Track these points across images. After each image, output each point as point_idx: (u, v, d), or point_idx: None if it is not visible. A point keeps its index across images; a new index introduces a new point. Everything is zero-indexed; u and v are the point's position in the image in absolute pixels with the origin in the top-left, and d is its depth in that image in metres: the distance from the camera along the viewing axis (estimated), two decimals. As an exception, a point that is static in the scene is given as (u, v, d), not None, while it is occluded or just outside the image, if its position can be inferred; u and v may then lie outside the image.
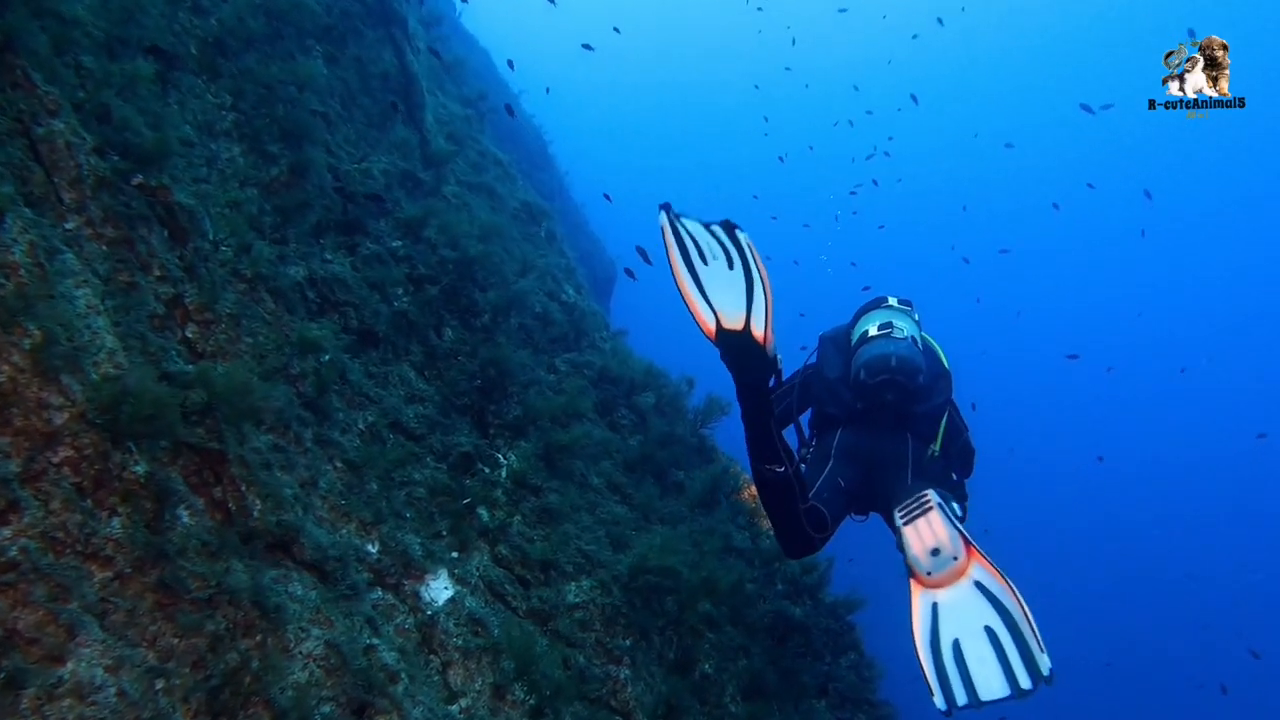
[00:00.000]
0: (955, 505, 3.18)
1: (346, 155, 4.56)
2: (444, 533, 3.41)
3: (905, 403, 3.37)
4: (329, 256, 4.04)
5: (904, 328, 3.52)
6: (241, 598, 2.55)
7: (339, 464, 3.28)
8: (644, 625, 3.50)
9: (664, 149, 49.99)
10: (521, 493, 3.75)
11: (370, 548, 3.19)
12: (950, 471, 3.62)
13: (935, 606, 2.79)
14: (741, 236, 2.65)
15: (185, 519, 2.62)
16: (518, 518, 3.63)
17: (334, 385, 3.42)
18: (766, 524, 4.92)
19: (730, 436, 5.57)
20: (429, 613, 3.16)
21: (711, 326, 2.62)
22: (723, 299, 2.60)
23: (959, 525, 2.97)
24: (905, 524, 2.96)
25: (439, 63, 7.08)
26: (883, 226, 29.04)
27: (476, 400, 4.07)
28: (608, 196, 12.08)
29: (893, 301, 3.81)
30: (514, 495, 3.71)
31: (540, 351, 4.80)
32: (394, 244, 4.33)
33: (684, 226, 2.72)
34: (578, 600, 3.43)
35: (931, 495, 3.02)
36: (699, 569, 3.85)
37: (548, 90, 17.89)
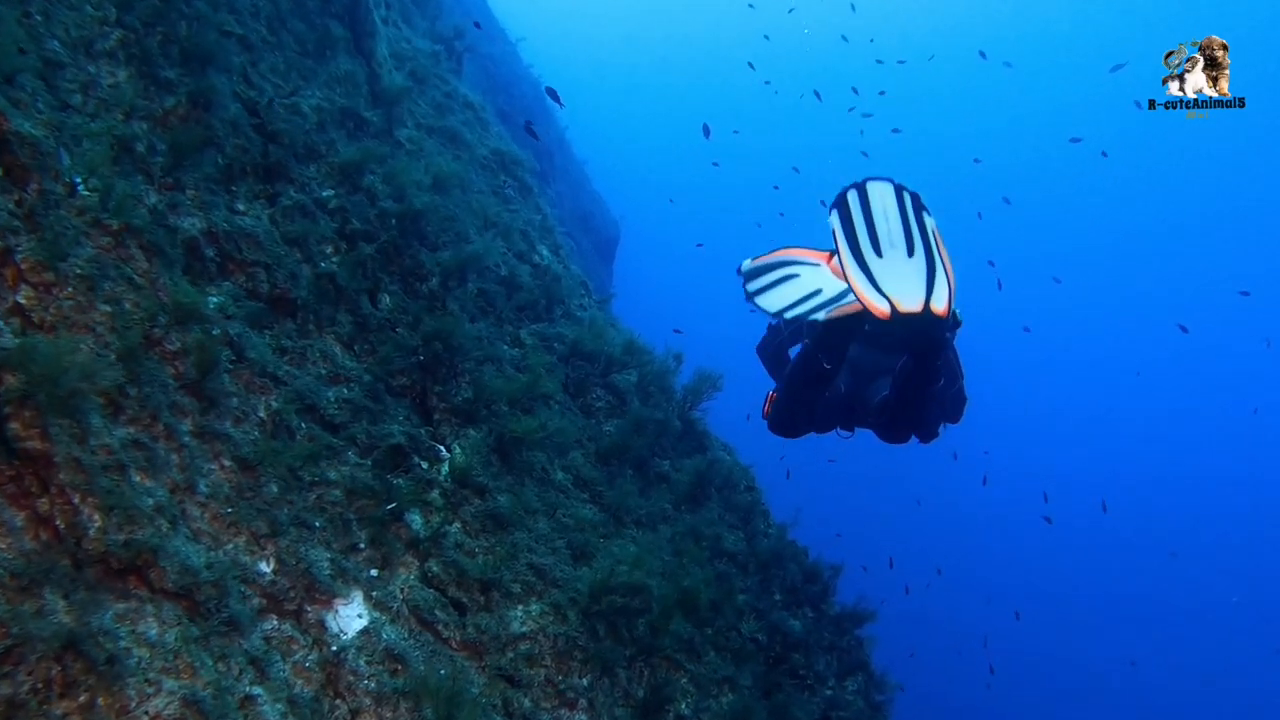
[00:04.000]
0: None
1: (272, 87, 3.85)
2: (362, 545, 2.79)
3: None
4: (240, 207, 3.37)
5: None
6: (53, 646, 1.95)
7: (227, 462, 2.65)
8: (606, 658, 2.89)
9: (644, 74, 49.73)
10: (464, 494, 3.13)
11: (263, 566, 2.58)
12: (941, 409, 3.74)
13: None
14: (929, 222, 2.59)
15: (-9, 542, 2.02)
16: (456, 525, 3.01)
17: (226, 364, 2.78)
18: (763, 523, 4.30)
19: (722, 419, 4.91)
20: (335, 647, 2.56)
21: (885, 310, 2.58)
22: (898, 286, 2.57)
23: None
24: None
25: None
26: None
27: (418, 380, 3.43)
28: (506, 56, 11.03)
29: None
30: (454, 497, 3.09)
31: (504, 322, 4.13)
32: (324, 193, 3.65)
33: (860, 210, 2.63)
34: (524, 629, 2.82)
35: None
36: (676, 580, 3.23)
37: None
